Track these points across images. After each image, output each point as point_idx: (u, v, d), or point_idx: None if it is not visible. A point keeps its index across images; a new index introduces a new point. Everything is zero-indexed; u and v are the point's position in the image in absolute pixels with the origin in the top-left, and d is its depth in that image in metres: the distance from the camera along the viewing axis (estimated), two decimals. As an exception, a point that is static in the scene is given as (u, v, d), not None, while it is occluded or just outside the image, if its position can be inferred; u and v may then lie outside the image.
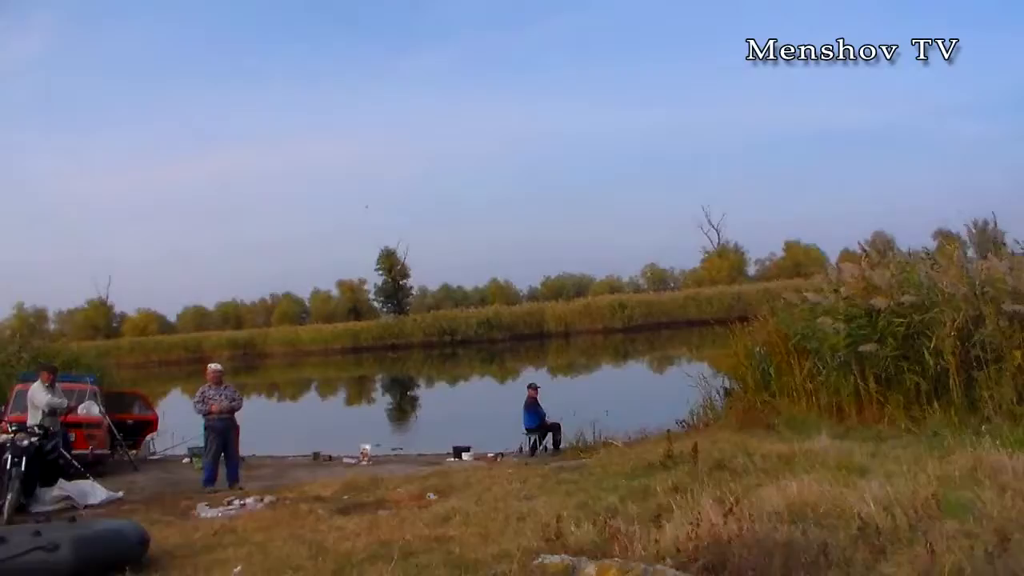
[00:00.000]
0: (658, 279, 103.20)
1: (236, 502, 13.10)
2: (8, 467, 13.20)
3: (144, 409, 22.41)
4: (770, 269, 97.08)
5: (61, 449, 15.07)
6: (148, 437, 22.71)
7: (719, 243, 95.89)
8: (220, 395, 16.02)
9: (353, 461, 19.59)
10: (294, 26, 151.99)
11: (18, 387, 19.03)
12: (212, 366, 16.62)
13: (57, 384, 15.88)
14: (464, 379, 55.42)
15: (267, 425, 23.91)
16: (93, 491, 14.41)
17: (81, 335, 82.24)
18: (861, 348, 15.57)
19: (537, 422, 20.67)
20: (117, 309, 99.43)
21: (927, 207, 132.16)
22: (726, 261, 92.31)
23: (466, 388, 49.55)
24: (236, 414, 16.19)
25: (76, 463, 15.42)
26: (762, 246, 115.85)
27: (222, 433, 15.89)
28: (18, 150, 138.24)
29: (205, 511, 12.69)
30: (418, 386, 52.78)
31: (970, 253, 77.81)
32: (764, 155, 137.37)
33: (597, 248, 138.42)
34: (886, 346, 15.48)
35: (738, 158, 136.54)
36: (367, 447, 20.00)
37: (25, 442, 13.45)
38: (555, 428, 20.65)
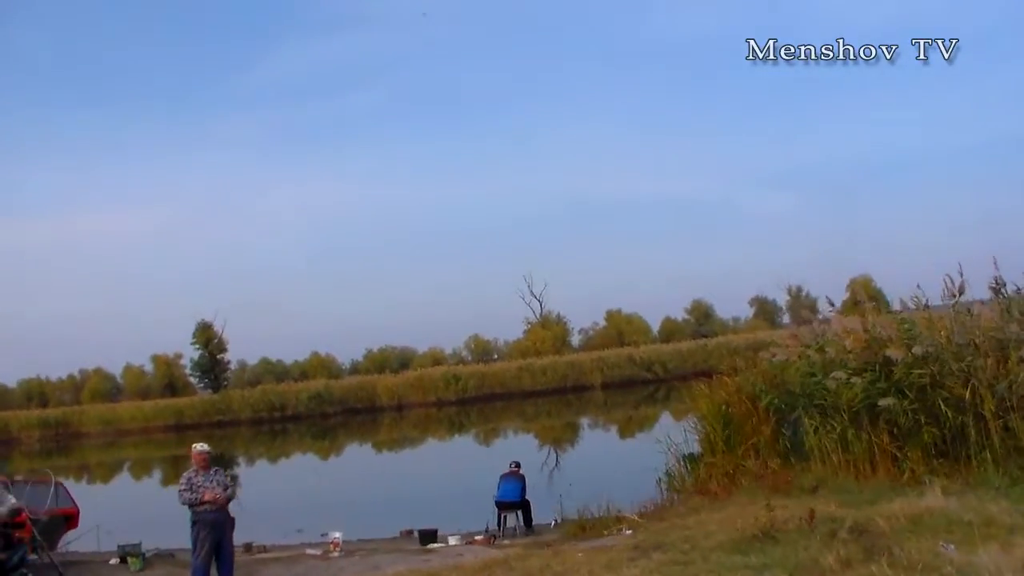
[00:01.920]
0: (482, 350, 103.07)
1: None
2: None
3: (62, 500, 19.10)
4: (594, 338, 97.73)
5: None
6: (64, 536, 19.35)
7: (542, 313, 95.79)
8: (211, 481, 13.40)
9: (317, 552, 17.56)
10: (94, 89, 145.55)
11: None
12: (198, 447, 13.79)
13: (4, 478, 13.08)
14: (302, 454, 53.26)
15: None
16: None
17: None
18: (881, 402, 14.99)
19: (520, 496, 19.21)
20: None
21: (741, 275, 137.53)
22: (550, 331, 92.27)
23: (315, 466, 47.25)
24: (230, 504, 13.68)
25: None
26: (583, 316, 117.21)
27: (217, 528, 13.23)
28: None
29: None
30: (250, 464, 50.27)
31: (785, 319, 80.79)
32: (580, 225, 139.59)
33: (417, 320, 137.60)
34: (904, 399, 14.92)
35: (555, 228, 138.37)
36: (338, 535, 17.60)
37: None
38: (526, 505, 19.29)
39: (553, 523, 19.38)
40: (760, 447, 17.29)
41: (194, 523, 13.25)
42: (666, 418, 52.31)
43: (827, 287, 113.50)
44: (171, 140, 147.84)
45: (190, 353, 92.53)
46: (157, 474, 50.98)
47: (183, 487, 13.29)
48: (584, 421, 58.29)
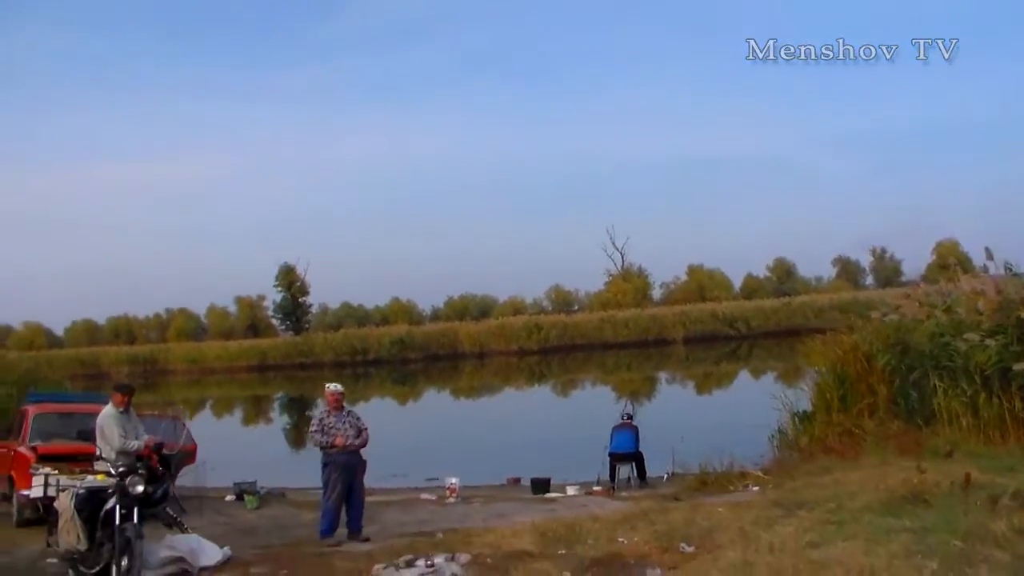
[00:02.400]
0: (563, 300, 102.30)
1: (421, 562, 10.38)
2: (118, 523, 9.97)
3: (184, 437, 18.26)
4: (675, 292, 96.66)
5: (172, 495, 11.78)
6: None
7: (623, 265, 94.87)
8: (343, 423, 13.03)
9: (431, 497, 17.27)
10: (177, 40, 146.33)
11: (34, 410, 16.48)
12: (331, 387, 13.41)
13: (132, 410, 12.54)
14: (381, 398, 53.14)
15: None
16: (202, 548, 11.19)
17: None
18: (1016, 366, 14.21)
19: (635, 447, 18.76)
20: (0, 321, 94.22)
21: (824, 234, 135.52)
22: (631, 284, 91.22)
23: (395, 410, 47.03)
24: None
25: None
26: (665, 270, 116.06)
27: (349, 471, 12.90)
28: None
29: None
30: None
31: (869, 280, 79.19)
32: (666, 179, 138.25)
33: (498, 269, 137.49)
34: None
35: (641, 182, 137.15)
36: (454, 481, 17.28)
37: (139, 488, 10.10)
38: (640, 457, 18.80)
39: (665, 476, 18.90)
40: (877, 408, 16.58)
41: (325, 464, 12.94)
42: (744, 376, 51.79)
43: (911, 250, 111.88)
44: (256, 85, 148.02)
45: (273, 296, 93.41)
46: (238, 412, 51.37)
47: (315, 428, 13.00)
48: (665, 375, 57.47)
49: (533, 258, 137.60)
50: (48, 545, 11.73)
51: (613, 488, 17.84)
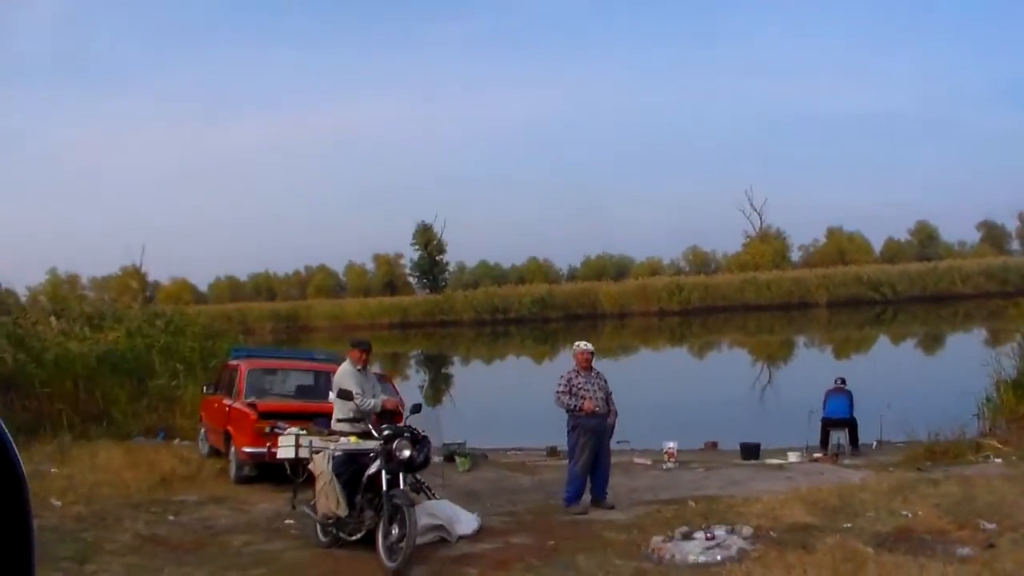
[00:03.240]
0: (700, 262, 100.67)
1: (700, 534, 9.71)
2: (385, 489, 9.63)
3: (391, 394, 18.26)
4: (814, 255, 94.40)
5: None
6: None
7: (761, 227, 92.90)
8: (592, 384, 12.43)
9: (646, 461, 16.67)
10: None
11: (247, 365, 16.35)
12: (581, 346, 12.80)
13: (369, 368, 12.28)
14: (516, 357, 52.40)
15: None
16: (457, 515, 10.74)
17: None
18: None
19: (849, 413, 17.96)
20: (150, 277, 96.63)
21: (969, 197, 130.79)
22: (769, 246, 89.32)
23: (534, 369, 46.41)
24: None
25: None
26: (803, 231, 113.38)
27: (597, 435, 12.36)
28: (42, 118, 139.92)
29: (679, 550, 9.24)
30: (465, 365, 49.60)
31: (1014, 245, 75.95)
32: (802, 140, 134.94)
33: (634, 229, 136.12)
34: None
35: (779, 141, 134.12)
36: (672, 445, 16.51)
37: (406, 452, 9.72)
38: (854, 423, 17.98)
39: (874, 444, 18.12)
40: None
41: (572, 428, 12.41)
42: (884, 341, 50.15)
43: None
44: (387, 41, 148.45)
45: (410, 254, 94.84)
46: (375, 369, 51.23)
47: (562, 388, 12.40)
48: (826, 340, 55.95)
49: (669, 219, 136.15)
50: (293, 507, 11.56)
51: (836, 455, 17.07)
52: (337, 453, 10.12)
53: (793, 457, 16.48)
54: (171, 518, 12.13)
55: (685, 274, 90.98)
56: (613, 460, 16.27)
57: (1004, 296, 68.24)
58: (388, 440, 9.66)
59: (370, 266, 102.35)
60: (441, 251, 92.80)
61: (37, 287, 71.00)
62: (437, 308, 78.90)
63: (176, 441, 19.01)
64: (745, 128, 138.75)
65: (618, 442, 19.30)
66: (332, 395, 11.65)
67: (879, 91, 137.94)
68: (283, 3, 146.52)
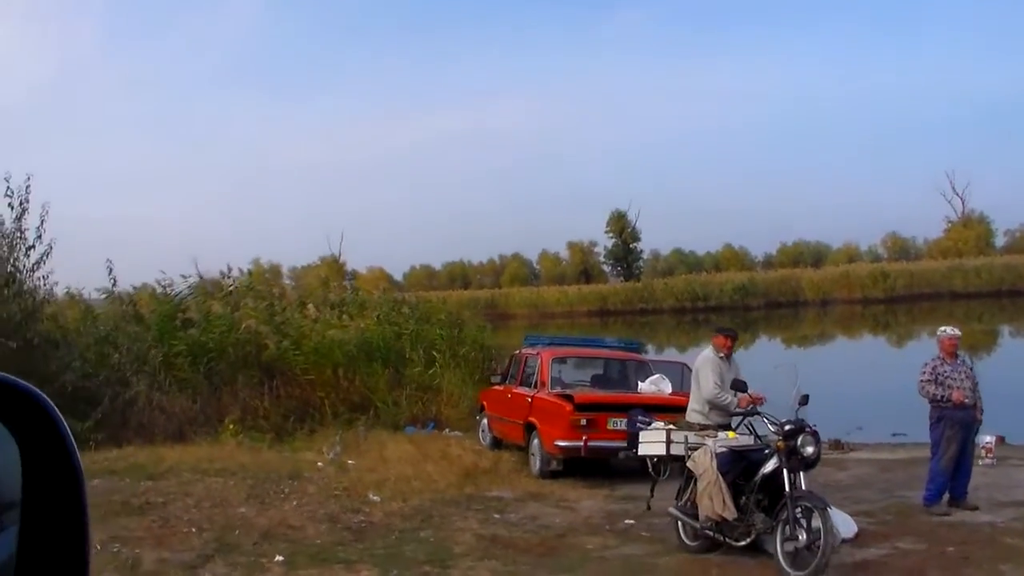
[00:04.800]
0: (899, 248, 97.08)
1: None
2: (789, 490, 8.76)
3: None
4: (1021, 241, 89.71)
5: None
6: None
7: (964, 212, 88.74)
8: (959, 372, 11.48)
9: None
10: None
11: (548, 355, 15.66)
12: (948, 331, 11.79)
13: (735, 359, 11.19)
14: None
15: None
16: (838, 517, 9.55)
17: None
18: None
19: None
20: (348, 267, 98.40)
21: None
22: (972, 231, 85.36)
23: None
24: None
25: None
26: (1008, 215, 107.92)
27: (965, 429, 11.41)
28: (243, 114, 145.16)
29: None
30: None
31: None
32: (1006, 120, 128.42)
33: (829, 215, 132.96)
34: None
35: (980, 121, 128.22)
36: (989, 440, 14.76)
37: (810, 448, 8.89)
38: None
39: None
40: None
41: (938, 420, 11.46)
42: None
43: None
44: (574, 36, 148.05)
45: (604, 242, 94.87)
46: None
47: (927, 377, 11.45)
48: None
49: (864, 204, 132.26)
50: (648, 507, 10.80)
51: None
52: (721, 450, 9.20)
53: None
54: (496, 516, 11.76)
55: (884, 261, 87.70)
56: (910, 454, 15.12)
57: None
58: (791, 436, 8.83)
59: (564, 254, 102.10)
60: (636, 239, 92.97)
61: (241, 277, 72.46)
62: (636, 296, 78.10)
63: (446, 431, 18.53)
64: (943, 113, 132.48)
65: (893, 435, 18.36)
66: (694, 385, 10.71)
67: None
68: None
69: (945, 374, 11.38)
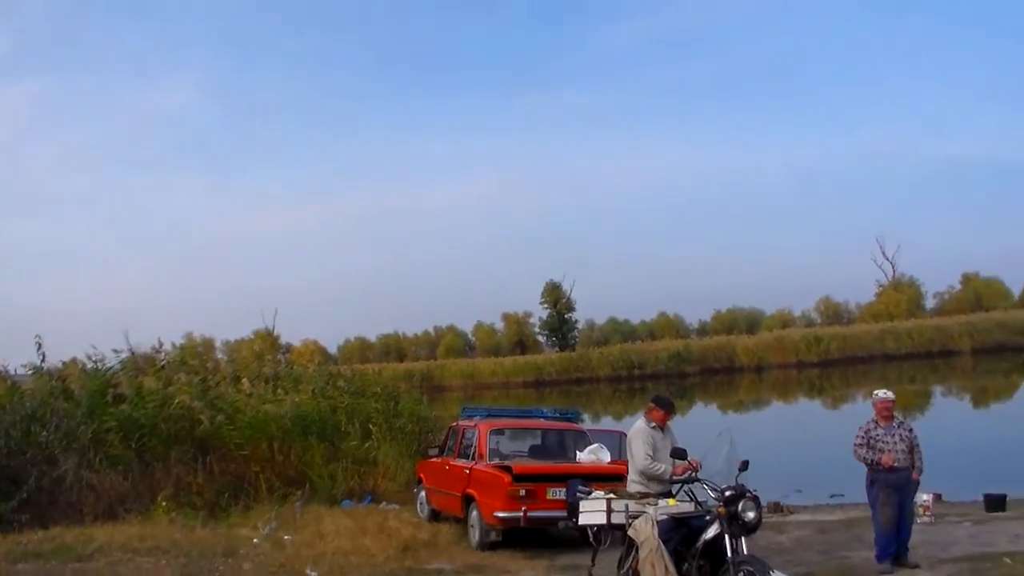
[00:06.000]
0: (832, 312, 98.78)
1: None
2: (730, 555, 8.88)
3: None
4: (949, 303, 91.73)
5: None
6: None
7: (894, 276, 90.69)
8: (893, 436, 11.57)
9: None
10: (438, 71, 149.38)
11: (486, 426, 15.53)
12: (881, 394, 11.88)
13: (671, 429, 11.14)
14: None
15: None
16: None
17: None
18: None
19: None
20: (282, 340, 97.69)
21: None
22: (903, 294, 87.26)
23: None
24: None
25: None
26: (936, 278, 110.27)
27: (899, 491, 11.46)
28: (175, 192, 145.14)
29: None
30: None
31: None
32: (932, 185, 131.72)
33: (762, 282, 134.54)
34: None
35: (901, 189, 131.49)
36: (927, 498, 15.11)
37: (751, 514, 9.03)
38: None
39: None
40: None
41: (871, 482, 11.60)
42: None
43: None
44: (507, 108, 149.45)
45: (539, 312, 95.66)
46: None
47: (859, 441, 11.61)
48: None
49: (797, 271, 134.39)
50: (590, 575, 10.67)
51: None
52: (662, 517, 9.17)
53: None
54: (441, 590, 11.37)
55: (818, 325, 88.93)
56: (851, 514, 15.28)
57: None
58: (731, 501, 8.81)
59: (499, 325, 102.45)
60: (570, 309, 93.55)
61: (172, 351, 71.55)
62: (572, 365, 78.10)
63: (383, 504, 18.32)
64: (872, 178, 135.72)
65: (831, 496, 18.58)
66: (629, 456, 10.69)
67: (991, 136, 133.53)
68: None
69: (877, 437, 11.50)
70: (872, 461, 11.42)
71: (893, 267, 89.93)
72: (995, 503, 16.18)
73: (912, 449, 11.58)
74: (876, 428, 11.59)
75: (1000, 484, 16.95)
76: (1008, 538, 12.89)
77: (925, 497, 15.07)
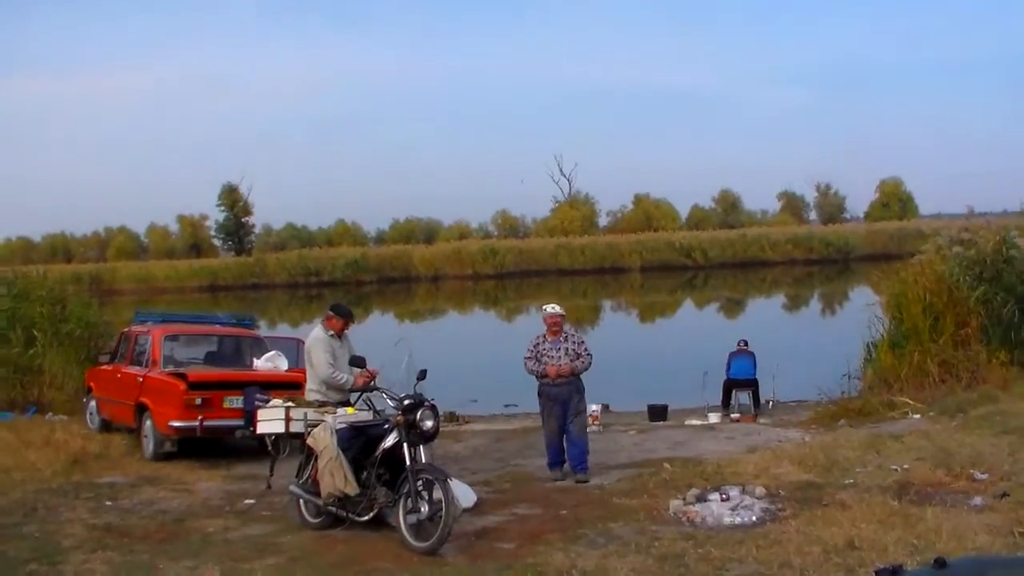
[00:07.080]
0: (509, 226, 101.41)
1: (714, 496, 9.36)
2: (409, 463, 8.85)
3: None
4: (622, 222, 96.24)
5: None
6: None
7: (570, 193, 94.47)
8: (558, 350, 11.80)
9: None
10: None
11: (160, 332, 15.14)
12: (548, 309, 12.07)
13: (348, 338, 11.10)
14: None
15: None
16: (458, 489, 9.59)
17: None
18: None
19: (754, 374, 18.03)
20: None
21: (768, 169, 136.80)
22: (578, 211, 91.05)
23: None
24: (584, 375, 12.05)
25: None
26: (611, 198, 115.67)
27: (562, 403, 11.73)
28: None
29: (709, 512, 9.03)
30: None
31: (812, 216, 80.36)
32: (610, 108, 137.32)
33: (442, 193, 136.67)
34: None
35: (585, 109, 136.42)
36: (596, 408, 15.56)
37: (429, 423, 9.03)
38: (757, 384, 18.02)
39: (770, 404, 18.29)
40: (969, 340, 16.04)
41: (539, 394, 12.00)
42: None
43: (855, 187, 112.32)
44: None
45: (215, 215, 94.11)
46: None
47: (529, 355, 11.90)
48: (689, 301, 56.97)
49: (478, 184, 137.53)
50: (269, 486, 10.69)
51: (755, 415, 17.22)
52: (341, 426, 9.24)
53: (714, 418, 16.61)
54: (109, 503, 11.12)
55: (495, 238, 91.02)
56: (525, 424, 15.93)
57: (808, 263, 71.38)
58: (410, 410, 8.92)
59: (174, 227, 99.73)
60: (248, 212, 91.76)
61: None
62: (248, 271, 76.93)
63: (49, 415, 17.50)
64: (552, 99, 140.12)
65: (505, 406, 19.30)
66: (308, 365, 10.70)
67: (684, 68, 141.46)
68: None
69: (544, 351, 11.80)
70: (538, 373, 11.78)
71: (570, 184, 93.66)
72: (658, 413, 17.24)
73: (577, 359, 11.83)
74: (544, 342, 11.88)
75: (662, 396, 18.07)
76: (668, 445, 13.76)
77: (594, 407, 15.63)
